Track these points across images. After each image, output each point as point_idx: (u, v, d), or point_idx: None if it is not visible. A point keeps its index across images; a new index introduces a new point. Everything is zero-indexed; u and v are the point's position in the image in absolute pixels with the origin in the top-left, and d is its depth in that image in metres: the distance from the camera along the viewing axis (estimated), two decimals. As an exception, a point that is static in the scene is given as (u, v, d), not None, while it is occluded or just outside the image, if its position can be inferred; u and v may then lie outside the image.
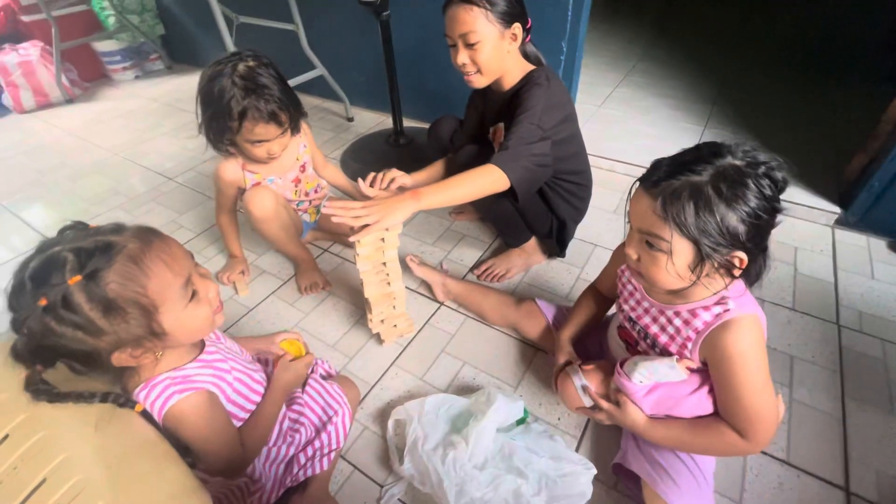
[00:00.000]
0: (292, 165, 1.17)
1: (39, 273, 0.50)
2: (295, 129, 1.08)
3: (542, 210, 1.14)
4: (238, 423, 0.70)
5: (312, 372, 0.88)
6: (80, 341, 0.52)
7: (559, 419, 0.92)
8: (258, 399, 0.74)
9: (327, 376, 0.93)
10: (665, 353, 0.71)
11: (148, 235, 0.57)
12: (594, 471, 0.79)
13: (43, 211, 1.66)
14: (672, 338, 0.69)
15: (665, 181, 0.58)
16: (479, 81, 1.01)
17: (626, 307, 0.78)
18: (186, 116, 2.27)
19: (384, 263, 0.93)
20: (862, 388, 0.94)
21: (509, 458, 0.79)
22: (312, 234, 1.39)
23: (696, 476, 0.71)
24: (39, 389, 0.53)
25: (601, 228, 1.39)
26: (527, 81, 1.01)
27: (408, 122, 1.83)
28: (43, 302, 0.49)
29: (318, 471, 0.77)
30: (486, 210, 1.28)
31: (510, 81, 1.04)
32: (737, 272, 0.59)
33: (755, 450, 0.65)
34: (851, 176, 1.39)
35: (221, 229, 1.25)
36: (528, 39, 1.02)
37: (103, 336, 0.52)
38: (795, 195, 1.43)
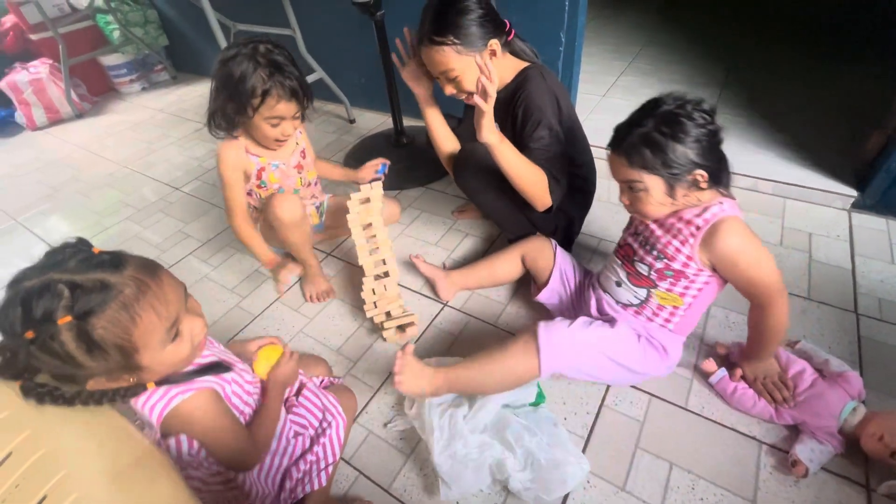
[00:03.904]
0: (293, 150, 1.17)
1: (31, 301, 0.50)
2: (304, 114, 1.08)
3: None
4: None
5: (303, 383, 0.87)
6: (59, 368, 0.53)
7: (565, 419, 0.90)
8: (251, 401, 0.74)
9: (329, 385, 0.92)
10: (660, 255, 0.82)
11: (146, 278, 0.56)
12: (586, 465, 0.79)
13: (57, 225, 1.70)
14: (674, 235, 0.79)
15: (625, 140, 0.75)
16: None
17: (636, 228, 0.89)
18: (192, 126, 2.30)
19: (371, 224, 1.03)
20: (882, 379, 0.91)
21: (502, 430, 0.81)
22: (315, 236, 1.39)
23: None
24: (41, 393, 0.53)
25: (607, 221, 1.36)
26: (521, 80, 1.00)
27: (409, 122, 1.82)
28: (30, 335, 0.50)
29: (315, 487, 0.76)
30: (489, 209, 1.27)
31: (503, 82, 1.04)
32: (703, 185, 0.74)
33: (783, 306, 0.77)
34: (868, 156, 1.33)
35: (243, 237, 1.13)
36: (511, 38, 1.01)
37: (82, 369, 0.53)
38: (809, 179, 1.38)
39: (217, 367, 0.68)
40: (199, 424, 0.63)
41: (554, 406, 0.92)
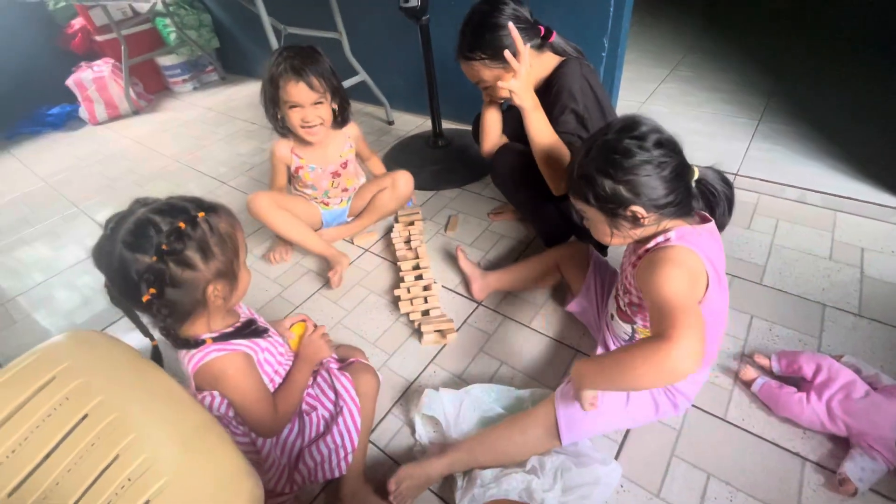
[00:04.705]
0: (335, 160, 1.30)
1: (167, 212, 0.63)
2: (343, 120, 1.25)
3: None
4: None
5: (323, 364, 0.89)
6: (195, 266, 0.64)
7: (599, 422, 0.90)
8: (281, 370, 0.79)
9: (346, 364, 0.92)
10: (626, 289, 0.79)
11: (228, 208, 0.72)
12: (615, 466, 0.78)
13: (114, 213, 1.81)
14: (633, 266, 0.75)
15: (573, 169, 0.74)
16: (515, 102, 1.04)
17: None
18: (239, 124, 2.40)
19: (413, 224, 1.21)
20: (940, 402, 0.86)
21: (524, 464, 0.80)
22: (337, 231, 1.44)
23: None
24: (160, 312, 0.64)
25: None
26: (557, 69, 1.04)
27: (446, 124, 1.85)
28: (182, 225, 0.62)
29: (336, 474, 0.79)
30: (525, 211, 1.28)
31: (540, 77, 1.07)
32: (645, 221, 0.69)
33: (675, 350, 0.55)
34: (929, 170, 1.27)
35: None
36: (551, 40, 1.04)
37: (211, 262, 0.66)
38: (862, 191, 1.33)
39: (253, 331, 0.75)
40: (228, 383, 0.70)
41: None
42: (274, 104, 1.18)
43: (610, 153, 0.67)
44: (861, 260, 1.17)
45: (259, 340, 0.76)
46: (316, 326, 0.88)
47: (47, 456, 0.56)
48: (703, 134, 1.66)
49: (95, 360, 0.67)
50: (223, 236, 0.67)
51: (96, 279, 1.48)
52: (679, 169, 0.67)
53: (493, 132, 1.17)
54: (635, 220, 0.69)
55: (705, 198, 0.73)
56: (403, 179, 1.37)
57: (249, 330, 0.75)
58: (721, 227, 0.75)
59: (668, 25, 2.77)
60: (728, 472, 0.80)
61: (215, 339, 0.70)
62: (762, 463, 0.81)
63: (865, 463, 0.75)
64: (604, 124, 0.73)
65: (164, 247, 0.61)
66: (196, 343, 0.69)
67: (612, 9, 1.40)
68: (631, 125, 0.68)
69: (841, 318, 1.03)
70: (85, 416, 0.59)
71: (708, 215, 0.74)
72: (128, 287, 0.63)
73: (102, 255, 0.64)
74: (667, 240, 0.69)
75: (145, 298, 0.62)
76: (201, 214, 0.65)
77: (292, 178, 1.35)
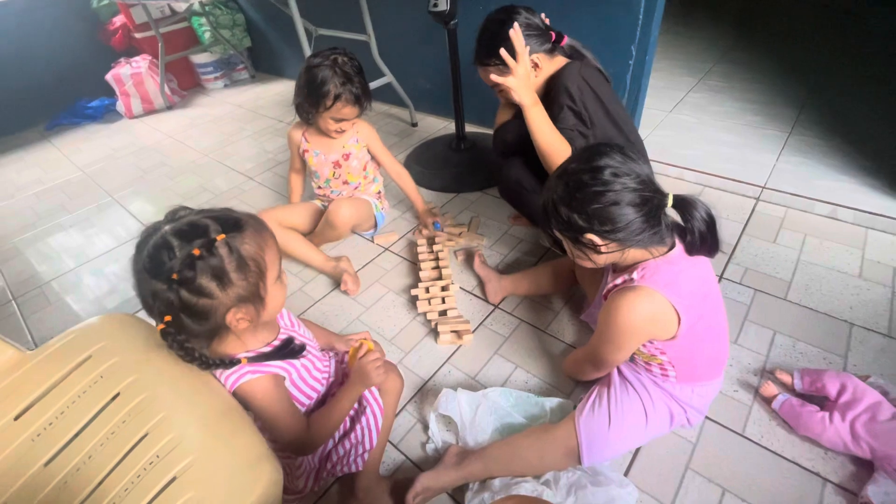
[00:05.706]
0: (338, 150, 1.35)
1: (186, 233, 0.59)
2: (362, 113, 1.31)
3: None
4: (298, 406, 0.75)
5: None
6: (210, 294, 0.59)
7: (613, 431, 0.90)
8: (318, 386, 0.79)
9: None
10: None
11: (260, 221, 0.67)
12: (633, 490, 0.77)
13: (145, 205, 1.88)
14: (604, 298, 0.78)
15: (542, 195, 0.76)
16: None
17: None
18: (266, 121, 2.46)
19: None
20: (972, 430, 0.83)
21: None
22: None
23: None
24: (176, 340, 0.61)
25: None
26: (559, 71, 1.07)
27: (470, 127, 1.87)
28: (196, 252, 0.57)
29: (353, 469, 0.79)
30: (536, 219, 1.28)
31: (546, 78, 1.10)
32: (603, 249, 0.70)
33: (601, 370, 0.85)
34: (969, 190, 1.22)
35: (289, 184, 1.51)
36: (562, 44, 1.08)
37: (230, 289, 0.61)
38: (894, 209, 1.28)
39: (290, 351, 0.73)
40: (257, 404, 0.69)
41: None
42: (313, 106, 1.22)
43: (567, 183, 0.70)
44: (893, 279, 1.13)
45: (295, 361, 0.74)
46: (376, 356, 0.81)
47: (81, 430, 0.59)
48: (731, 145, 1.63)
49: (129, 342, 0.70)
50: (245, 259, 0.61)
51: (126, 266, 1.54)
52: (638, 200, 0.67)
53: (504, 119, 1.27)
54: (594, 247, 0.70)
55: (686, 223, 0.70)
56: (337, 220, 1.31)
57: (287, 350, 0.72)
58: (704, 254, 0.72)
59: (699, 34, 2.73)
60: (744, 489, 0.79)
61: (251, 360, 0.68)
62: (780, 481, 0.80)
63: (890, 487, 0.73)
64: (581, 147, 0.77)
65: (174, 276, 0.57)
66: (231, 363, 0.66)
67: (640, 17, 1.39)
68: (591, 156, 0.69)
69: (869, 338, 1.01)
70: (117, 395, 0.62)
71: (680, 242, 0.73)
72: (147, 308, 0.61)
73: (134, 269, 0.62)
74: (631, 279, 0.70)
75: (160, 328, 0.60)
76: (220, 237, 0.59)
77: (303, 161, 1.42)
